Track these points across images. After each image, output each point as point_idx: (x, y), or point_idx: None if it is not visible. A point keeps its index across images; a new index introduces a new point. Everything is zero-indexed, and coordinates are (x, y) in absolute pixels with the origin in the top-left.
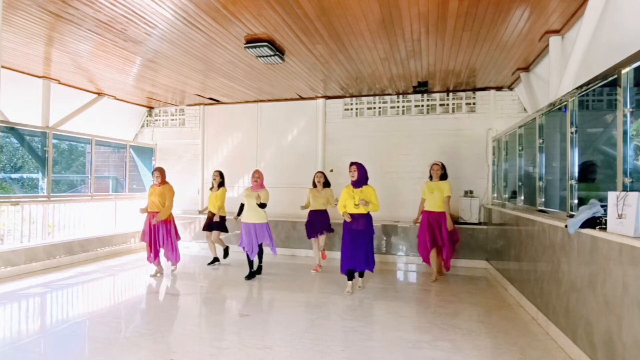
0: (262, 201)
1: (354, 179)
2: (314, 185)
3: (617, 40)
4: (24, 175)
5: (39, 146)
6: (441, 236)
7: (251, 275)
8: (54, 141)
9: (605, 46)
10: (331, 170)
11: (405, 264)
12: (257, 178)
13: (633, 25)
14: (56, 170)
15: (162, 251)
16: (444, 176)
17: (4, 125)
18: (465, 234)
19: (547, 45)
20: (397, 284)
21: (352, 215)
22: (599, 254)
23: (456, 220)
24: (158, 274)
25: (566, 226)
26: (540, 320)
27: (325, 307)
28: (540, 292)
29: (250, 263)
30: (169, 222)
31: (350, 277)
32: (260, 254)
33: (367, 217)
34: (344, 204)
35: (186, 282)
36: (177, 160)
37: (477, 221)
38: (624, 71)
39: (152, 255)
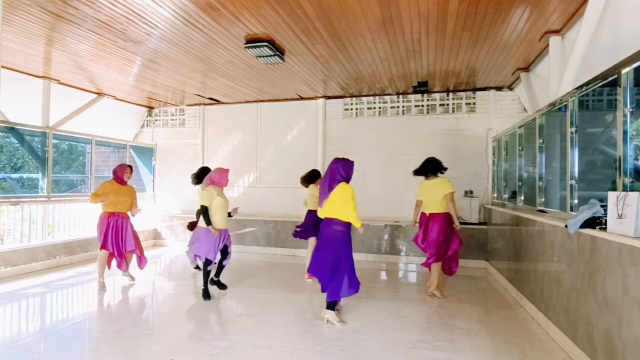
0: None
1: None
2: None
3: (617, 40)
4: (24, 175)
5: (39, 146)
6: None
7: (207, 294)
8: (54, 141)
9: (605, 46)
10: None
11: (405, 264)
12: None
13: (633, 25)
14: (56, 170)
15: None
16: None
17: (4, 125)
18: (465, 234)
19: (547, 45)
20: (397, 284)
21: (323, 219)
22: (599, 254)
23: None
24: (131, 280)
25: (566, 226)
26: (540, 320)
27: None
28: (540, 292)
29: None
30: (130, 221)
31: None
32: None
33: (343, 226)
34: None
35: (186, 282)
36: (177, 160)
37: (477, 221)
38: (624, 71)
39: (121, 261)
